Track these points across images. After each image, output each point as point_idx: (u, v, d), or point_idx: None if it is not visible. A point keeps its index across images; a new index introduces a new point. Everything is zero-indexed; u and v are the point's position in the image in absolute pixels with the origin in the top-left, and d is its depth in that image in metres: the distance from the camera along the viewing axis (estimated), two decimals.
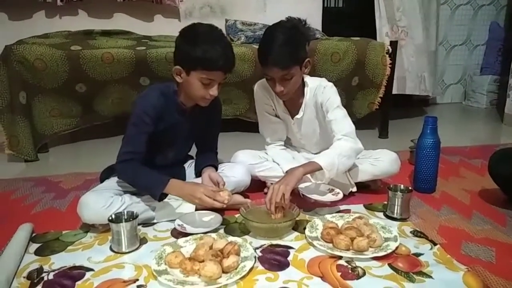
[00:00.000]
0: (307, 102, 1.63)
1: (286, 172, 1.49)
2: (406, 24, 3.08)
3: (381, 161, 1.65)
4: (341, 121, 1.56)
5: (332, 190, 1.56)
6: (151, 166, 1.42)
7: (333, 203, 1.55)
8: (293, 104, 1.65)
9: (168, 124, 1.44)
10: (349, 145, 1.51)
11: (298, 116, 1.65)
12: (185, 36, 1.37)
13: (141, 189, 1.41)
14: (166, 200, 1.47)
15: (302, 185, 1.54)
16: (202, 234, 1.30)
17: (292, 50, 1.46)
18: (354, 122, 1.58)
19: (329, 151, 1.50)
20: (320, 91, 1.60)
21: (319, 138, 1.72)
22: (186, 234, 1.31)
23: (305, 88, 1.62)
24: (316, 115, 1.65)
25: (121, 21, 3.06)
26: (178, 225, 1.37)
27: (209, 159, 1.62)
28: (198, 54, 1.31)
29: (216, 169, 1.60)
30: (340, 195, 1.52)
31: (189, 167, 1.69)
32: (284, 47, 1.44)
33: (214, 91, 1.38)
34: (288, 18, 1.52)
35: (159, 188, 1.34)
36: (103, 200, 1.33)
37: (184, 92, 1.43)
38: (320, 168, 1.45)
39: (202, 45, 1.31)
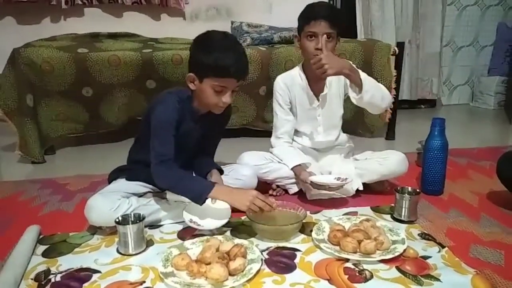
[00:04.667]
0: (331, 78, 1.68)
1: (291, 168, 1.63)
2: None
3: (388, 161, 1.64)
4: None
5: (339, 178, 1.59)
6: None
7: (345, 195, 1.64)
8: (318, 84, 1.71)
9: (183, 131, 1.43)
10: (384, 87, 1.62)
11: (323, 93, 1.71)
12: (198, 43, 1.38)
13: (183, 192, 1.38)
14: (172, 202, 1.47)
15: (311, 178, 1.56)
16: (208, 237, 1.30)
17: (339, 14, 1.67)
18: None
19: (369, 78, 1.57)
20: None
21: (338, 121, 1.78)
22: (194, 234, 1.31)
23: None
24: (339, 91, 1.74)
25: (127, 25, 3.07)
26: (190, 221, 1.35)
27: (212, 163, 1.62)
28: (210, 61, 1.31)
29: (222, 172, 1.60)
30: (349, 179, 1.57)
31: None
32: (334, 9, 1.72)
33: (227, 98, 1.37)
34: None
35: (205, 192, 1.32)
36: (110, 203, 1.33)
37: (198, 99, 1.43)
38: (360, 82, 1.50)
39: (214, 52, 1.31)
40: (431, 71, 3.64)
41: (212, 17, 3.24)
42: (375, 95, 1.53)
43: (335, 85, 1.72)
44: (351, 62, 1.53)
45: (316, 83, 1.71)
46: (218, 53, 1.31)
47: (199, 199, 1.33)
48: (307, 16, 1.58)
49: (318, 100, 1.72)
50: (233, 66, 1.32)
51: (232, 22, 3.14)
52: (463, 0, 3.76)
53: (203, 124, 1.50)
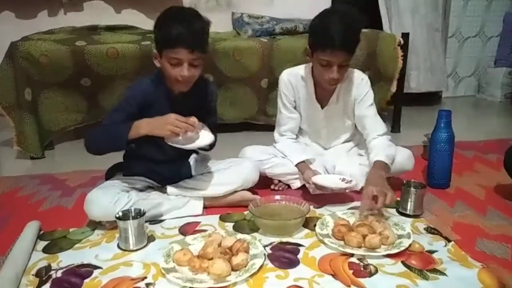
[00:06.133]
0: (341, 91, 1.63)
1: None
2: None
3: (395, 158, 1.61)
4: (375, 119, 1.61)
5: (344, 179, 1.55)
6: (151, 163, 1.42)
7: (349, 190, 1.58)
8: (325, 93, 1.65)
9: (158, 113, 1.36)
10: (389, 143, 1.56)
11: (330, 105, 1.66)
12: (156, 19, 1.36)
13: (108, 143, 1.35)
14: (173, 196, 1.45)
15: (314, 179, 1.52)
16: (210, 232, 1.28)
17: (357, 35, 1.46)
18: None
19: (381, 146, 1.54)
20: (357, 82, 1.63)
21: (342, 129, 1.74)
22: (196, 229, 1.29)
23: None
24: (346, 105, 1.66)
25: (125, 17, 3.04)
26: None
27: None
28: (160, 34, 1.32)
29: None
30: (354, 182, 1.52)
31: (197, 162, 1.62)
32: (352, 31, 1.43)
33: (183, 71, 1.31)
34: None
35: (125, 133, 1.29)
36: (110, 197, 1.32)
37: (164, 77, 1.40)
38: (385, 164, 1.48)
39: (164, 24, 1.31)
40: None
41: (212, 8, 3.19)
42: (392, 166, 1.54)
43: (342, 99, 1.66)
44: (382, 173, 1.45)
45: (322, 90, 1.64)
46: (167, 24, 1.30)
47: (122, 142, 1.31)
48: (323, 40, 1.43)
49: (322, 107, 1.67)
50: (180, 35, 1.27)
51: (233, 13, 3.09)
52: None
53: (183, 106, 1.41)
